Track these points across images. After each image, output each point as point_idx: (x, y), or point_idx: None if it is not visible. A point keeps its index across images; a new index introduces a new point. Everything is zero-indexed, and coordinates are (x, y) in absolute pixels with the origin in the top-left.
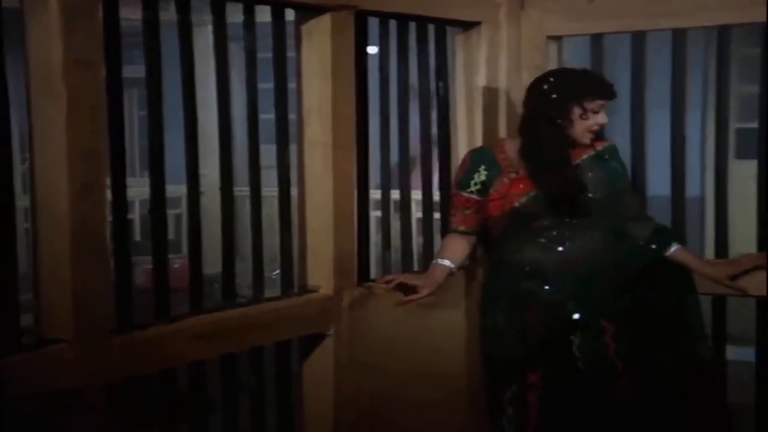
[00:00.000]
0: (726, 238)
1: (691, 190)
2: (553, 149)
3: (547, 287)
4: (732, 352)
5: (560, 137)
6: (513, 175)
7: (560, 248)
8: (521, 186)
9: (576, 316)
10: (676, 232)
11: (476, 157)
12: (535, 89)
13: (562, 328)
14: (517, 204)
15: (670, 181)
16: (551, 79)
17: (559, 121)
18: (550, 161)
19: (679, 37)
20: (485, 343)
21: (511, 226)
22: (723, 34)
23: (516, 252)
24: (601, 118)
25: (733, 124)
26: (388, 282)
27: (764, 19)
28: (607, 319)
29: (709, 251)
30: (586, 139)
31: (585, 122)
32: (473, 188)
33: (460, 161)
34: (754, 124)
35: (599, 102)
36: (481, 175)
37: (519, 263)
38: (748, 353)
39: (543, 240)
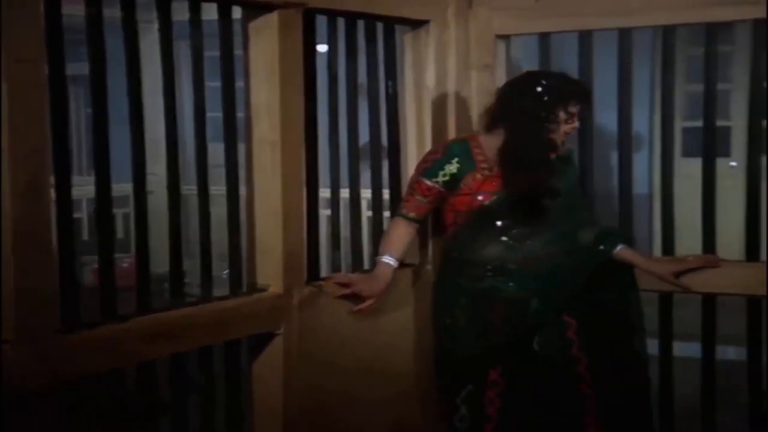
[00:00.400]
0: (672, 235)
1: (639, 187)
2: (540, 151)
3: (510, 285)
4: (678, 348)
5: (547, 139)
6: (486, 172)
7: (523, 247)
8: (494, 184)
9: (539, 312)
10: (623, 230)
11: (452, 148)
12: (525, 90)
13: (525, 325)
14: (487, 201)
15: (618, 179)
16: (543, 82)
17: (547, 123)
18: (537, 162)
19: (625, 36)
20: (442, 341)
21: (477, 223)
22: (668, 33)
23: (479, 249)
24: (576, 122)
25: (680, 123)
26: (337, 283)
27: (705, 20)
28: (568, 315)
29: (657, 248)
30: (561, 141)
31: (566, 126)
32: (440, 178)
33: (433, 149)
34: (700, 123)
35: (578, 106)
36: (453, 167)
37: (482, 261)
38: (695, 349)
39: (506, 239)
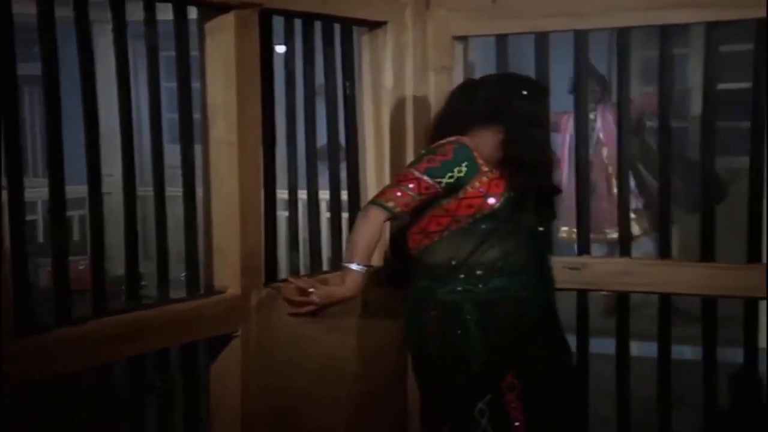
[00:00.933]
0: (629, 234)
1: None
2: (546, 149)
3: (516, 285)
4: (636, 348)
5: (547, 138)
6: (490, 174)
7: (528, 246)
8: (499, 186)
9: (542, 311)
10: (581, 228)
11: (463, 150)
12: (515, 91)
13: (531, 324)
14: (497, 204)
15: (575, 180)
16: (529, 85)
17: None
18: (545, 161)
19: (581, 38)
20: (451, 354)
21: (485, 225)
22: (623, 35)
23: (487, 251)
24: None
25: None
26: (298, 287)
27: (660, 22)
28: None
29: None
30: None
31: None
32: (445, 180)
33: (436, 146)
34: (656, 124)
35: None
36: (461, 171)
37: (488, 263)
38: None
39: (512, 239)
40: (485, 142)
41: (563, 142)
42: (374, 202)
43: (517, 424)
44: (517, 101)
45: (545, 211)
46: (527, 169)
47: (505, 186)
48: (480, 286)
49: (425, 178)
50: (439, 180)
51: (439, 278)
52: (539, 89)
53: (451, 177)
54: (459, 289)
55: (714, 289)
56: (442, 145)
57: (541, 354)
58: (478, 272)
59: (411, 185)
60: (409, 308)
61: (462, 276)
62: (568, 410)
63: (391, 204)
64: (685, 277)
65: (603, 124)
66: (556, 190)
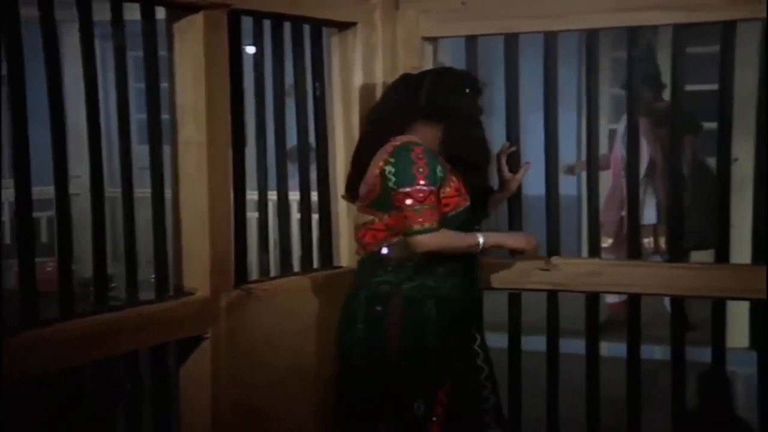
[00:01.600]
0: (598, 235)
1: (568, 188)
2: (487, 149)
3: (465, 282)
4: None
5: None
6: (455, 175)
7: None
8: (463, 185)
9: (476, 304)
10: (551, 230)
11: (427, 152)
12: (456, 89)
13: (471, 329)
14: (467, 203)
15: (545, 181)
16: (471, 82)
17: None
18: (489, 159)
19: (550, 39)
20: (408, 354)
21: (455, 224)
22: (592, 37)
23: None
24: None
25: (608, 125)
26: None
27: (628, 24)
28: None
29: (585, 249)
30: None
31: None
32: (438, 184)
33: (411, 156)
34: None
35: None
36: (440, 171)
37: (447, 261)
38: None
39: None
40: (428, 138)
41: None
42: (413, 232)
43: (434, 419)
44: (460, 99)
45: (482, 210)
46: (481, 167)
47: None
48: (441, 282)
49: (433, 187)
50: (436, 185)
51: (403, 273)
52: (479, 86)
53: (440, 179)
54: (423, 284)
55: (682, 289)
56: (409, 150)
57: (480, 349)
58: (441, 269)
59: (431, 199)
60: (364, 301)
61: (426, 272)
62: (481, 413)
63: (434, 223)
64: (654, 278)
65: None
66: (490, 189)
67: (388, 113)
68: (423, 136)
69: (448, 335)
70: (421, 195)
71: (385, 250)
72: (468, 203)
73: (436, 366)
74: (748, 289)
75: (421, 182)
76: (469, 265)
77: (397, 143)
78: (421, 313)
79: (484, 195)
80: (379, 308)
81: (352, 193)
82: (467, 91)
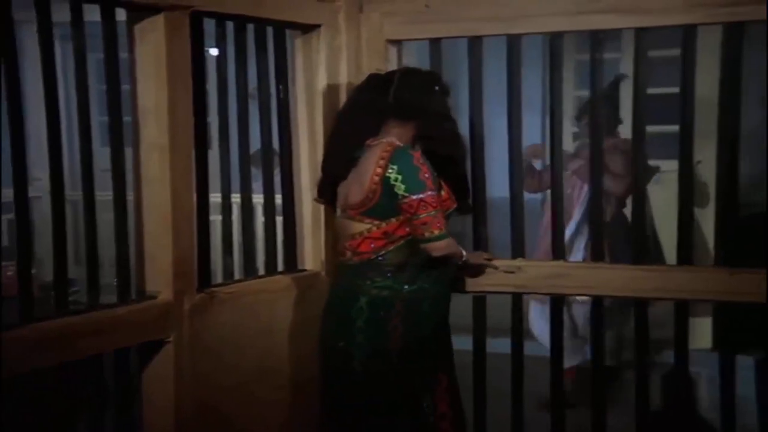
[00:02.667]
0: (562, 238)
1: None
2: (461, 143)
3: (444, 281)
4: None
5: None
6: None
7: None
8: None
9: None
10: (515, 232)
11: (424, 157)
12: (425, 86)
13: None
14: (455, 205)
15: (509, 183)
16: (438, 79)
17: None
18: (465, 153)
19: (514, 42)
20: (409, 355)
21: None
22: (554, 40)
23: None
24: None
25: (572, 127)
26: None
27: (591, 27)
28: None
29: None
30: None
31: None
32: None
33: (414, 162)
34: None
35: None
36: (435, 176)
37: (437, 267)
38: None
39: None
40: (403, 137)
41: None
42: (433, 238)
43: (444, 416)
44: (430, 95)
45: (464, 204)
46: (460, 166)
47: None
48: (432, 285)
49: (438, 194)
50: (437, 190)
51: (402, 278)
52: (445, 85)
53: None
54: (420, 287)
55: (646, 291)
56: (410, 155)
57: (451, 348)
58: (435, 272)
59: (440, 204)
60: (366, 307)
61: (424, 276)
62: None
63: (444, 230)
64: (618, 280)
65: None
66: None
67: (358, 114)
68: (398, 136)
69: (439, 332)
70: (434, 201)
71: (382, 258)
72: (455, 205)
73: (434, 361)
74: (712, 290)
75: (432, 188)
76: (450, 267)
77: (389, 148)
78: (420, 314)
79: (463, 192)
80: (382, 313)
81: (325, 197)
82: (436, 88)
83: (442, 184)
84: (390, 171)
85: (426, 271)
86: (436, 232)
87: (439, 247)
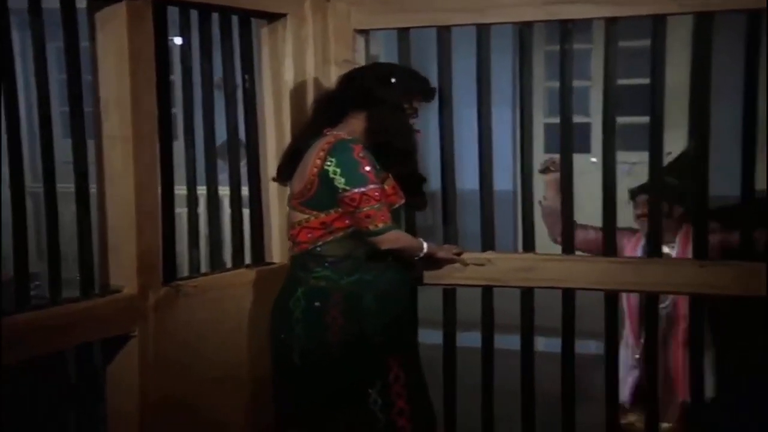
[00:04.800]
0: (533, 230)
1: (503, 184)
2: (412, 137)
3: (404, 274)
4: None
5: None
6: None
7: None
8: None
9: (413, 298)
10: (486, 225)
11: (366, 150)
12: (381, 80)
13: (409, 314)
14: (402, 201)
15: (478, 176)
16: (397, 73)
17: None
18: (414, 147)
19: (483, 32)
20: (348, 349)
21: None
22: (524, 31)
23: None
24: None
25: (543, 119)
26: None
27: (558, 18)
28: None
29: (520, 244)
30: None
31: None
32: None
33: (354, 155)
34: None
35: (421, 103)
36: (378, 170)
37: (382, 255)
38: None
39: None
40: (355, 129)
41: None
42: (378, 231)
43: (401, 411)
44: (384, 87)
45: (420, 199)
46: (412, 159)
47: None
48: (379, 277)
49: (381, 186)
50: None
51: (341, 269)
52: (403, 80)
53: (380, 177)
54: (361, 279)
55: (614, 284)
56: (350, 149)
57: (415, 344)
58: (379, 265)
59: (382, 197)
60: (302, 297)
61: (364, 267)
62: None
63: (388, 222)
64: (588, 273)
65: None
66: (422, 177)
67: (321, 103)
68: (353, 126)
69: (389, 328)
70: (377, 194)
71: (320, 249)
72: (403, 201)
73: (379, 358)
74: (682, 283)
75: (374, 181)
76: (403, 260)
77: (331, 140)
78: (361, 307)
79: (415, 189)
80: (318, 304)
81: (282, 178)
82: (393, 80)
83: (389, 178)
84: (328, 164)
85: (369, 264)
86: (380, 225)
87: (386, 240)
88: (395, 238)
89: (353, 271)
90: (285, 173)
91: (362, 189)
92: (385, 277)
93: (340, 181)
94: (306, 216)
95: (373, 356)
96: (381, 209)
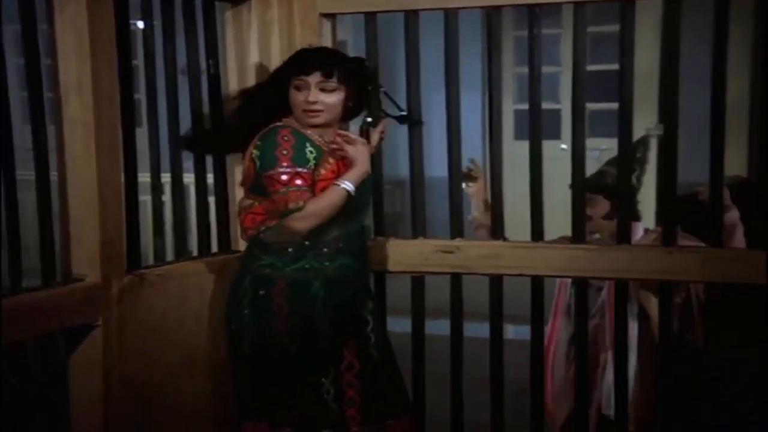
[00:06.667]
0: (502, 217)
1: None
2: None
3: (353, 262)
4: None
5: None
6: (337, 155)
7: (352, 223)
8: (345, 166)
9: (365, 288)
10: (454, 212)
11: (295, 133)
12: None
13: (364, 303)
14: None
15: (447, 163)
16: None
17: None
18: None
19: (451, 17)
20: (296, 338)
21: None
22: (492, 15)
23: (330, 231)
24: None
25: (513, 105)
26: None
27: (527, 2)
28: None
29: None
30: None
31: (299, 95)
32: (311, 164)
33: (277, 138)
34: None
35: (303, 78)
36: (312, 152)
37: (330, 241)
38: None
39: (344, 218)
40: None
41: None
42: (284, 213)
43: (352, 401)
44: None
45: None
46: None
47: (344, 166)
48: (327, 264)
49: (299, 167)
50: (308, 165)
51: (286, 256)
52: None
53: (308, 160)
54: (307, 266)
55: (584, 271)
56: (276, 132)
57: (372, 334)
58: (325, 250)
59: (297, 180)
60: (249, 285)
61: (310, 254)
62: (395, 390)
63: (300, 203)
64: (556, 260)
65: None
66: None
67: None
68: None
69: (339, 315)
70: (285, 177)
71: (262, 234)
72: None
73: (328, 348)
74: (650, 269)
75: (284, 164)
76: (358, 247)
77: (270, 126)
78: (308, 294)
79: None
80: (262, 292)
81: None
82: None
83: (332, 162)
84: (256, 147)
85: (314, 249)
86: (283, 210)
87: (293, 223)
88: (305, 215)
89: (298, 258)
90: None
91: (270, 172)
92: (335, 263)
93: (257, 164)
94: (250, 201)
95: (323, 345)
96: (287, 193)
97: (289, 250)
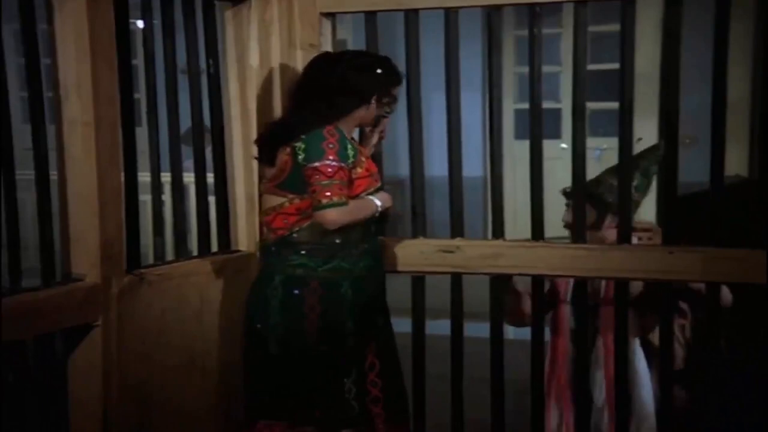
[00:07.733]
0: (502, 217)
1: (473, 170)
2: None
3: (376, 262)
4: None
5: None
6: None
7: (373, 225)
8: (374, 165)
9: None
10: (454, 211)
11: (339, 130)
12: (366, 69)
13: (383, 303)
14: (378, 184)
15: (447, 162)
16: (382, 63)
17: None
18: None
19: (451, 16)
20: (326, 336)
21: None
22: (493, 15)
23: (357, 232)
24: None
25: (513, 105)
26: None
27: (527, 1)
28: None
29: (490, 231)
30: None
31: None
32: (350, 161)
33: (324, 132)
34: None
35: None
36: (351, 150)
37: (356, 242)
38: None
39: (367, 220)
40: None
41: None
42: (319, 206)
43: (376, 399)
44: (368, 80)
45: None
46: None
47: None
48: (355, 264)
49: (342, 164)
50: (349, 162)
51: (317, 256)
52: (390, 69)
53: (349, 157)
54: (338, 267)
55: (585, 270)
56: (320, 129)
57: (390, 333)
58: (353, 251)
59: (341, 175)
60: (280, 285)
61: (340, 254)
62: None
63: (343, 198)
64: (558, 259)
65: None
66: None
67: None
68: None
69: (364, 315)
70: (330, 170)
71: (296, 235)
72: (379, 184)
73: (356, 346)
74: (651, 269)
75: (330, 157)
76: (376, 247)
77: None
78: (338, 294)
79: None
80: (296, 292)
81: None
82: (378, 71)
83: (365, 161)
84: (299, 141)
85: (344, 249)
86: (324, 201)
87: (328, 216)
88: (347, 211)
89: (329, 259)
90: (264, 155)
91: (316, 164)
92: (361, 263)
93: (300, 156)
94: (281, 200)
95: (350, 345)
96: (330, 186)
97: (322, 249)
